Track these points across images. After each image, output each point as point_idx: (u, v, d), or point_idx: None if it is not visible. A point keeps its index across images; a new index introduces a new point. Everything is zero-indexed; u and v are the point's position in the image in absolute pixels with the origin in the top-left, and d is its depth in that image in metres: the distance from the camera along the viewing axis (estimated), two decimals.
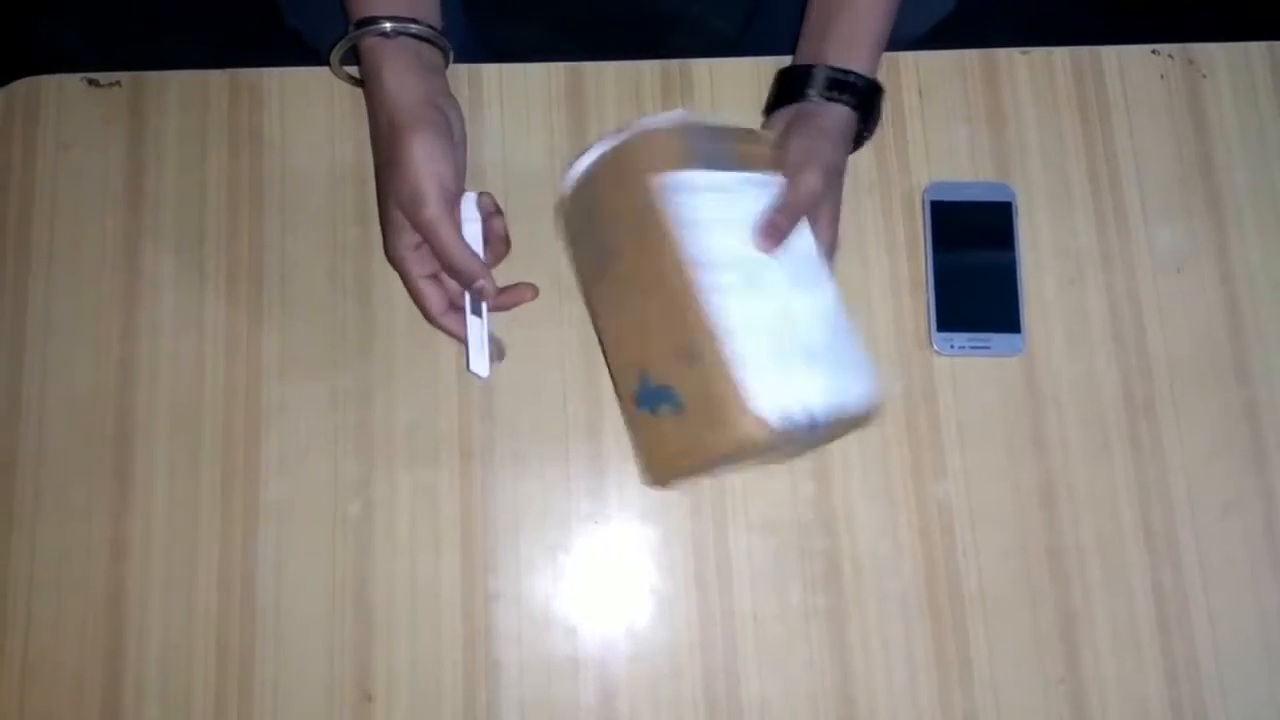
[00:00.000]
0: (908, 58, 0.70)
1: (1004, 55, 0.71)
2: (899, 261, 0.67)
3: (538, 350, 0.65)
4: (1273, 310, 0.67)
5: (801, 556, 0.63)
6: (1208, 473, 0.64)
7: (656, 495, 0.63)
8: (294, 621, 0.61)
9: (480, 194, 0.61)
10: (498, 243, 0.62)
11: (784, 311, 0.53)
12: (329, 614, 0.61)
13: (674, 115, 0.56)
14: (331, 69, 0.63)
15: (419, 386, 0.64)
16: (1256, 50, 0.71)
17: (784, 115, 0.61)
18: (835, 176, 0.59)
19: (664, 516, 0.63)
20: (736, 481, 0.64)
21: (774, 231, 0.54)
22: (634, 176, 0.53)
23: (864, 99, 0.60)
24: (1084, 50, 0.71)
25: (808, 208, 0.56)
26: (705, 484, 0.63)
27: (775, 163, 0.57)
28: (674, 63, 0.70)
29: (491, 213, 0.61)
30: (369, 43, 0.58)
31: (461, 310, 0.59)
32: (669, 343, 0.52)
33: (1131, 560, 0.63)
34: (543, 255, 0.65)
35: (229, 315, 0.65)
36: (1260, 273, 0.67)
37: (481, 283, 0.57)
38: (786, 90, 0.62)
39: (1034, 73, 0.71)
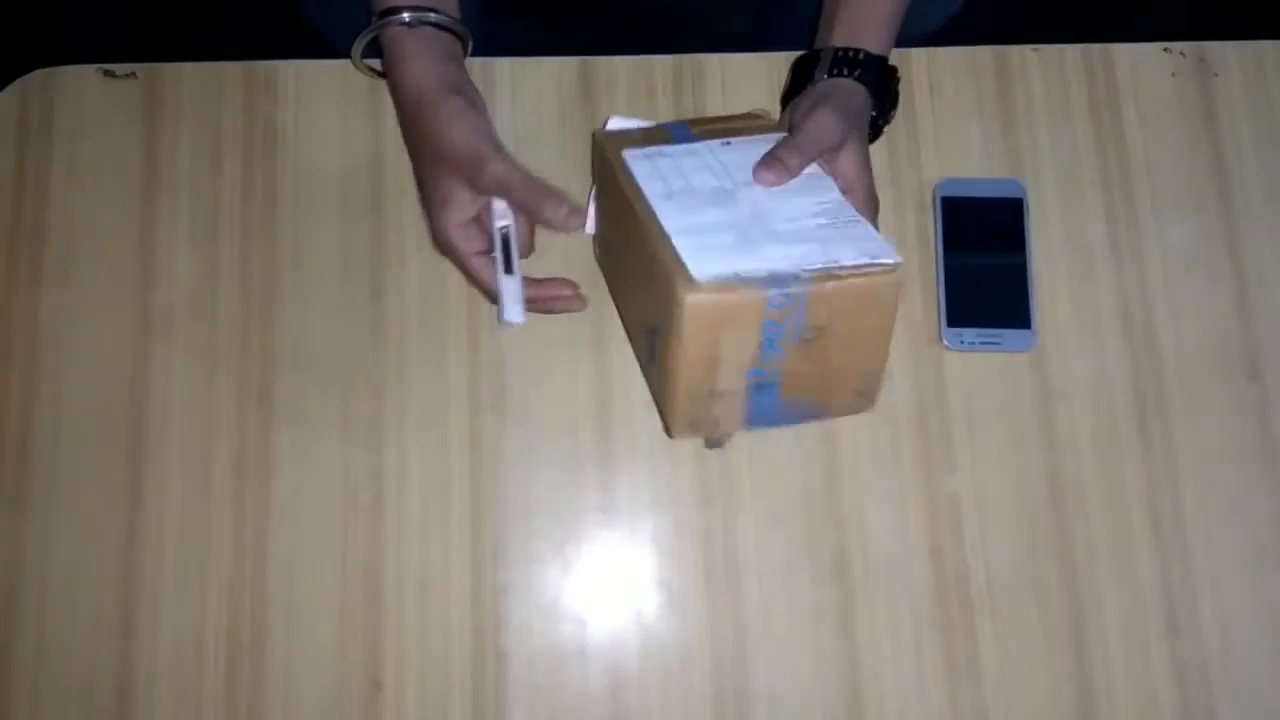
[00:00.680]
0: (919, 54, 0.71)
1: (1016, 52, 0.71)
2: (910, 257, 0.67)
3: (549, 343, 0.65)
4: None
5: (811, 550, 0.63)
6: (1218, 469, 0.64)
7: (666, 488, 0.64)
8: (305, 609, 0.61)
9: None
10: (523, 244, 0.61)
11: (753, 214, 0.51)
12: (340, 603, 0.61)
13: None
14: (352, 61, 0.64)
15: (430, 378, 0.65)
16: (1268, 48, 0.71)
17: (797, 101, 0.61)
18: (852, 118, 0.57)
19: (673, 509, 0.64)
20: (746, 474, 0.64)
21: (773, 163, 0.53)
22: (607, 155, 0.57)
23: (876, 79, 0.60)
24: (1095, 48, 0.71)
25: (815, 144, 0.54)
26: (715, 476, 0.64)
27: (777, 129, 0.58)
28: (686, 58, 0.70)
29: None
30: (391, 32, 0.58)
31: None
32: (652, 291, 0.51)
33: (1141, 556, 0.63)
34: (554, 249, 0.65)
35: (243, 305, 0.65)
36: (1271, 270, 0.67)
37: (564, 208, 0.55)
38: (799, 78, 0.62)
39: (1045, 70, 0.71)
